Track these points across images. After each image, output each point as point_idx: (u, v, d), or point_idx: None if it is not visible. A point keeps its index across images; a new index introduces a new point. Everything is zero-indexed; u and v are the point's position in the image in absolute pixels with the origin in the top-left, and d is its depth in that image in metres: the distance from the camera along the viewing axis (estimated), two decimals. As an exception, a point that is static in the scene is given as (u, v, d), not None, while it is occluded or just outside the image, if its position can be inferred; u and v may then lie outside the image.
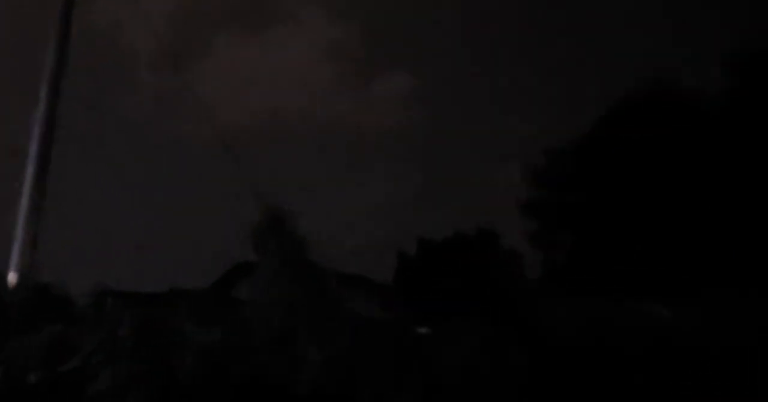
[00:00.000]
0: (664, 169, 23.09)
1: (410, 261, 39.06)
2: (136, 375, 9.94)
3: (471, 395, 10.18)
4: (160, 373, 10.03)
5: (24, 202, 14.16)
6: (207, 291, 20.90)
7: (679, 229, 21.93)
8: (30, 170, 14.38)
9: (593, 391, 10.21)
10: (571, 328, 10.80)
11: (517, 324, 11.15)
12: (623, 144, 24.63)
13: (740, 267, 18.18)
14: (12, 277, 13.41)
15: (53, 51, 15.09)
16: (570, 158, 27.50)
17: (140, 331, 10.36)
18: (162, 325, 10.52)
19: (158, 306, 11.35)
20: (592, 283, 20.47)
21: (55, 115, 14.86)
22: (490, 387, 10.06)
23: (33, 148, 14.54)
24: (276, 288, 10.91)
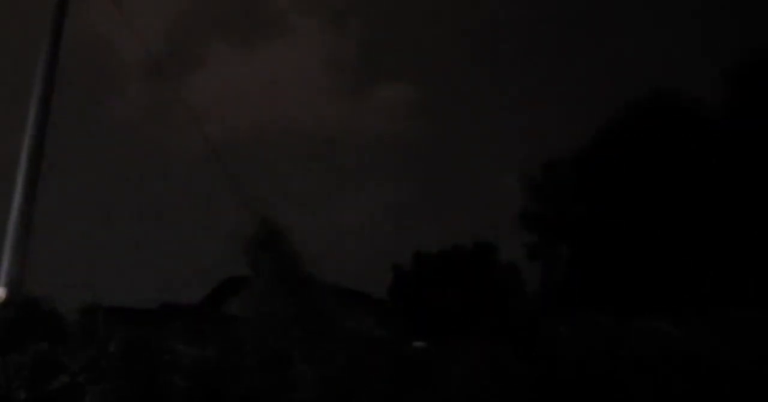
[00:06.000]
0: (668, 180, 22.96)
1: (407, 274, 38.97)
2: (126, 394, 9.70)
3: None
4: (151, 393, 9.80)
5: (13, 215, 13.91)
6: (198, 307, 20.67)
7: (686, 243, 21.76)
8: (20, 183, 14.13)
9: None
10: (576, 345, 10.58)
11: (519, 341, 10.94)
12: (624, 155, 24.52)
13: (750, 283, 18.01)
14: (0, 292, 13.16)
15: (44, 62, 14.87)
16: (570, 170, 27.41)
17: (130, 348, 10.14)
18: (152, 342, 10.30)
19: (149, 322, 11.11)
20: (595, 299, 20.25)
21: (46, 128, 14.62)
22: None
23: (23, 161, 14.29)
24: (269, 304, 10.73)
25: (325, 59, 69.53)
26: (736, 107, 23.54)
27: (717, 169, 22.39)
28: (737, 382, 9.85)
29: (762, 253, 19.98)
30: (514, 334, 11.75)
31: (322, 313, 10.75)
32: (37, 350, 10.18)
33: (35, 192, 14.17)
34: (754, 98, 22.77)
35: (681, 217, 22.24)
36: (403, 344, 12.57)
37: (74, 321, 11.41)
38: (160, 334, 10.65)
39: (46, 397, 9.86)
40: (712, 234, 21.51)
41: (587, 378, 10.03)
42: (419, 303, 35.92)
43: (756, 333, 10.47)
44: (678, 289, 19.65)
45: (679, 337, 10.78)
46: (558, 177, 28.32)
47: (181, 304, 17.47)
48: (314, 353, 10.01)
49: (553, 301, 25.39)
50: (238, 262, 11.89)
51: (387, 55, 75.56)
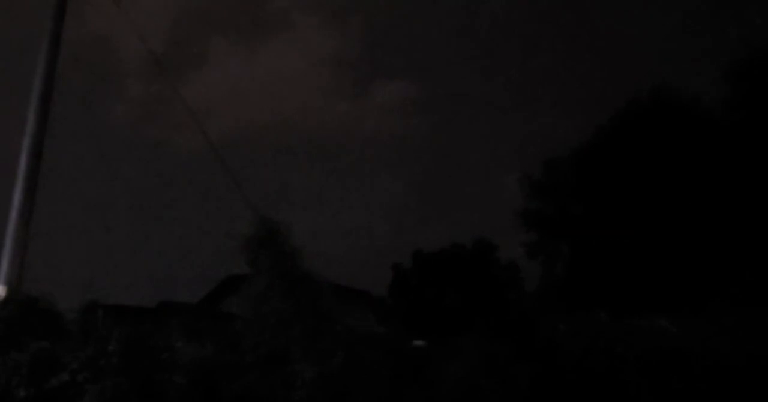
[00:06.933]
0: (667, 178, 22.96)
1: (406, 273, 39.01)
2: (125, 391, 9.70)
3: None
4: (149, 390, 9.81)
5: (13, 215, 13.92)
6: (197, 305, 20.68)
7: (685, 241, 21.76)
8: (19, 182, 14.14)
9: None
10: (574, 344, 10.60)
11: (518, 339, 10.95)
12: (624, 154, 24.53)
13: (748, 280, 18.00)
14: (0, 290, 13.17)
15: (43, 61, 14.87)
16: (570, 168, 27.42)
17: (129, 347, 10.14)
18: (151, 340, 10.30)
19: (148, 321, 11.10)
20: (594, 297, 20.26)
21: (46, 127, 14.63)
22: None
23: (23, 160, 14.30)
24: (268, 302, 10.72)
25: (326, 57, 69.69)
26: (736, 105, 23.55)
27: (717, 166, 22.40)
28: (734, 378, 9.89)
29: (760, 251, 19.98)
30: (513, 332, 11.77)
31: (320, 311, 10.75)
32: (37, 348, 10.19)
33: (35, 192, 14.16)
34: (754, 95, 22.77)
35: (681, 214, 22.25)
36: (402, 342, 12.59)
37: (73, 319, 11.41)
38: (159, 332, 10.64)
39: (45, 395, 9.86)
40: (711, 231, 21.51)
41: (585, 375, 10.05)
42: (419, 301, 36.02)
43: (753, 330, 10.51)
44: (676, 286, 19.67)
45: (677, 335, 10.81)
46: (558, 175, 28.36)
47: (180, 303, 17.48)
48: (313, 351, 10.01)
49: (553, 299, 25.43)
50: (238, 261, 11.88)
51: (388, 53, 75.69)
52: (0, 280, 13.27)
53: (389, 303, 37.44)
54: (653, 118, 24.58)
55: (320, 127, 68.54)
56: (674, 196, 22.57)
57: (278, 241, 11.42)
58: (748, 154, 22.03)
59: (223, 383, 9.73)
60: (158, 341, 10.35)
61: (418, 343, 12.71)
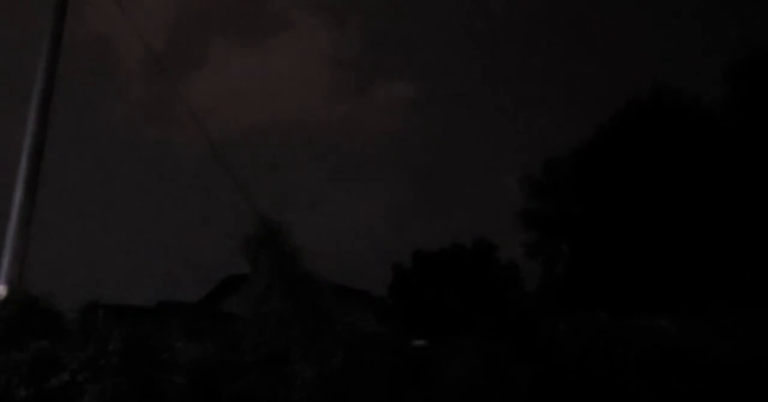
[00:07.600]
0: (667, 178, 22.95)
1: (407, 273, 38.99)
2: (125, 391, 9.70)
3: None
4: (149, 390, 9.81)
5: (14, 214, 13.91)
6: (197, 305, 20.66)
7: (685, 240, 21.75)
8: (20, 182, 14.13)
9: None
10: (574, 344, 10.59)
11: (518, 339, 10.96)
12: (624, 154, 24.52)
13: (746, 280, 18.01)
14: (0, 290, 13.16)
15: (44, 61, 14.87)
16: (570, 168, 27.40)
17: (129, 347, 10.13)
18: (151, 340, 10.29)
19: (148, 321, 11.09)
20: (594, 296, 20.26)
21: (46, 127, 14.62)
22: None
23: (23, 160, 14.29)
24: (268, 303, 10.72)
25: (326, 57, 69.70)
26: (736, 105, 23.55)
27: (717, 166, 22.40)
28: (734, 378, 9.88)
29: (760, 251, 19.99)
30: (513, 332, 11.77)
31: (320, 311, 10.75)
32: (37, 348, 10.18)
33: (35, 192, 14.15)
34: (754, 95, 22.77)
35: (681, 214, 22.25)
36: (402, 342, 12.58)
37: (73, 319, 11.41)
38: (159, 332, 10.64)
39: (45, 395, 9.85)
40: (711, 231, 21.52)
41: (585, 375, 10.05)
42: (419, 301, 36.04)
43: (753, 330, 10.50)
44: (676, 286, 19.67)
45: (677, 335, 10.80)
46: (558, 175, 28.39)
47: (180, 303, 17.46)
48: (313, 351, 10.01)
49: (553, 299, 25.44)
50: (238, 260, 11.89)
51: (388, 53, 75.71)
52: (0, 280, 13.26)
53: (389, 303, 37.44)
54: (653, 118, 24.59)
55: (320, 127, 68.51)
56: (674, 196, 22.58)
57: (278, 241, 11.42)
58: (748, 154, 22.04)
59: (223, 383, 9.73)
60: (158, 341, 10.34)
61: (418, 343, 12.70)
